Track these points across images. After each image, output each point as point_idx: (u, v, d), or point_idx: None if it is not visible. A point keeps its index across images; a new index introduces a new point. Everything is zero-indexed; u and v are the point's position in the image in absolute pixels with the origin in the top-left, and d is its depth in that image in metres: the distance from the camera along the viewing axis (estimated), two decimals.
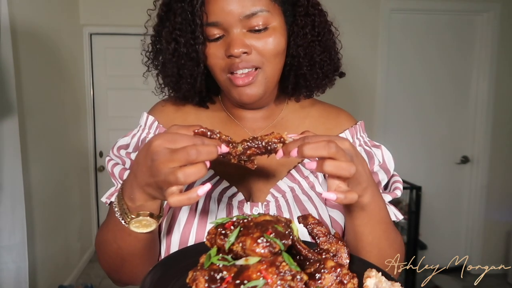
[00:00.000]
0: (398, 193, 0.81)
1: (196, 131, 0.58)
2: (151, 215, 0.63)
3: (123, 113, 3.76)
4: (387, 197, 0.79)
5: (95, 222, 4.00)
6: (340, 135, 0.84)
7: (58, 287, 3.00)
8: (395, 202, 3.16)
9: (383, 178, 0.82)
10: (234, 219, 0.54)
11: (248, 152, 0.58)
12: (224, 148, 0.57)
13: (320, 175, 0.81)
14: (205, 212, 0.76)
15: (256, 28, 0.70)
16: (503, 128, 3.64)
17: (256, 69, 0.72)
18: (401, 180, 0.84)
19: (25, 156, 2.42)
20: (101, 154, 3.92)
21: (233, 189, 0.78)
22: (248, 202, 0.77)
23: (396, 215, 0.80)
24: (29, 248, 2.35)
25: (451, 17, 3.55)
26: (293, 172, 0.80)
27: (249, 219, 0.53)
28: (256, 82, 0.73)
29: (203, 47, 0.72)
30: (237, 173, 0.79)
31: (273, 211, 0.77)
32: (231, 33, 0.70)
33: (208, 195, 0.77)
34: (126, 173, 0.78)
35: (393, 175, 0.84)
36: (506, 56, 3.55)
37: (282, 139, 0.58)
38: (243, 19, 0.69)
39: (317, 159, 0.57)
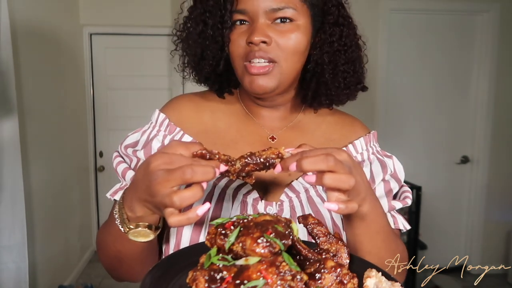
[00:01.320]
0: (409, 201, 0.81)
1: (194, 153, 0.58)
2: (150, 227, 0.64)
3: (123, 113, 3.77)
4: (398, 205, 0.80)
5: (95, 222, 4.00)
6: (355, 141, 0.85)
7: (58, 287, 3.00)
8: None
9: (394, 187, 0.82)
10: (234, 219, 0.54)
11: (247, 168, 0.59)
12: (222, 168, 0.57)
13: None
14: (218, 208, 0.76)
15: (280, 19, 0.72)
16: (503, 128, 3.64)
17: (272, 62, 0.73)
18: (410, 190, 0.85)
19: (25, 156, 2.42)
20: (101, 154, 3.92)
21: (248, 187, 0.77)
22: (263, 201, 0.77)
23: (404, 225, 0.81)
24: (29, 248, 2.35)
25: (451, 17, 3.56)
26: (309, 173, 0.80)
27: (249, 219, 0.53)
28: (269, 74, 0.73)
29: (229, 32, 0.74)
30: None
31: (287, 211, 0.76)
32: (255, 22, 0.72)
33: (223, 192, 0.77)
34: (128, 172, 0.79)
35: (402, 185, 0.85)
36: (506, 56, 3.55)
37: (280, 154, 0.58)
38: (269, 11, 0.71)
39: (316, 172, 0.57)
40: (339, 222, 0.78)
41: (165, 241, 0.79)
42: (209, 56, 0.77)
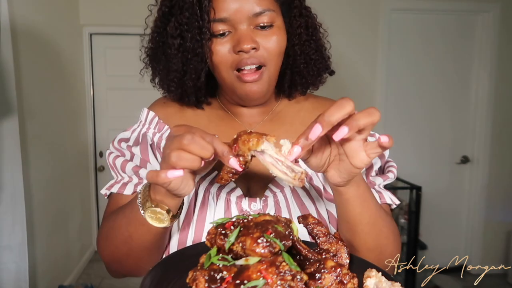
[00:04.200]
0: (391, 175, 0.82)
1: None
2: (168, 211, 0.64)
3: (123, 113, 3.75)
4: (378, 180, 0.81)
5: (95, 222, 4.00)
6: None
7: (58, 287, 3.00)
8: None
9: (375, 162, 0.82)
10: (234, 219, 0.54)
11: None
12: (234, 163, 0.56)
13: None
14: (203, 208, 0.76)
15: (262, 24, 0.72)
16: (503, 128, 3.64)
17: (261, 67, 0.74)
18: (395, 166, 0.84)
19: (25, 156, 2.42)
20: (101, 154, 3.92)
21: (232, 184, 0.78)
22: (246, 198, 0.78)
23: (392, 199, 0.81)
24: (29, 248, 2.35)
25: (451, 17, 3.56)
26: None
27: (249, 219, 0.53)
28: (261, 80, 0.75)
29: (210, 43, 0.73)
30: None
31: (271, 206, 0.77)
32: (238, 30, 0.72)
33: (207, 191, 0.78)
34: (128, 164, 0.79)
35: (388, 161, 0.85)
36: (506, 56, 3.55)
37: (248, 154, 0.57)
38: (251, 16, 0.71)
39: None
40: (325, 215, 0.78)
41: None
42: (192, 69, 0.75)
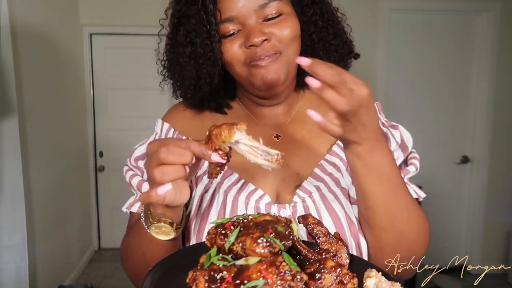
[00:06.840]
0: (412, 168, 0.81)
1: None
2: (171, 224, 0.64)
3: (123, 113, 3.77)
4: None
5: (95, 222, 4.00)
6: None
7: (58, 287, 3.00)
8: None
9: (398, 157, 0.81)
10: (234, 219, 0.54)
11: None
12: (215, 157, 0.57)
13: (342, 169, 0.81)
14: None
15: (270, 16, 0.72)
16: (503, 128, 3.63)
17: (277, 53, 0.73)
18: (418, 157, 0.83)
19: (25, 156, 2.42)
20: (101, 154, 3.92)
21: (260, 192, 0.77)
22: (276, 204, 0.77)
23: (417, 192, 0.80)
24: (29, 248, 2.35)
25: (451, 17, 3.55)
26: (317, 170, 0.80)
27: (249, 219, 0.53)
28: (277, 63, 0.73)
29: (219, 45, 0.73)
30: (261, 174, 0.78)
31: (301, 211, 0.76)
32: (247, 25, 0.72)
33: (236, 199, 0.77)
34: (144, 184, 0.79)
35: (411, 152, 0.84)
36: (506, 56, 3.54)
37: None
38: (257, 9, 0.71)
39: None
40: (353, 218, 0.76)
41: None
42: (205, 74, 0.76)
